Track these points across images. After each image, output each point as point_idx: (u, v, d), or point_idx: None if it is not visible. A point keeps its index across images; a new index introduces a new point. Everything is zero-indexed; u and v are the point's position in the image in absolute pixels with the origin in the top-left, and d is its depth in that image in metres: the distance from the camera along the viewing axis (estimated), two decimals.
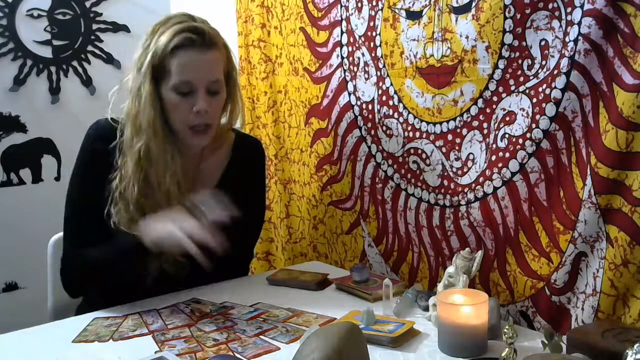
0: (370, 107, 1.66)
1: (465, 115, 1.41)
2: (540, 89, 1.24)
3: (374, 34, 1.61)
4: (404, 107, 1.55)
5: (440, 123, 1.47)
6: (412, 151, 1.56)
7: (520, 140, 1.28)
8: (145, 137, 1.36)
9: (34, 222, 2.34)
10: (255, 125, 2.11)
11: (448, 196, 1.47)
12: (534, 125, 1.25)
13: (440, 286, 1.28)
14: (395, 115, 1.58)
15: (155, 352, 1.14)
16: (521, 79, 1.28)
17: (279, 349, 1.17)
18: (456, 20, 1.38)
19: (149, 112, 1.35)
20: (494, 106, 1.34)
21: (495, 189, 1.35)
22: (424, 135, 1.51)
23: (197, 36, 1.34)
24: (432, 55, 1.45)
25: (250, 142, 1.63)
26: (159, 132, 1.37)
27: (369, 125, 1.67)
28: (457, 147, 1.44)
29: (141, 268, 1.37)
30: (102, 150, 1.40)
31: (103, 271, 1.40)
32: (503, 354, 1.02)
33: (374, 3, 1.59)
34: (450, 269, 1.28)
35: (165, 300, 1.43)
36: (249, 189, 1.57)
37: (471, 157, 1.41)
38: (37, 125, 2.43)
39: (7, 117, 2.37)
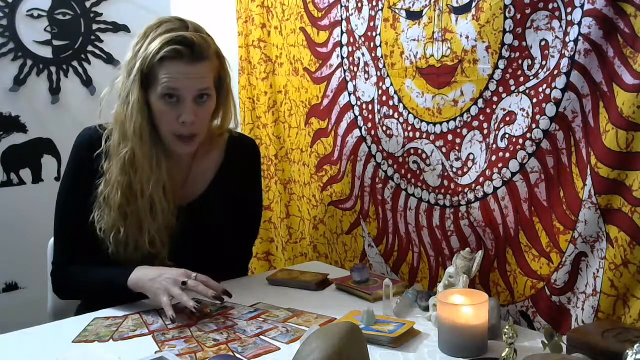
0: (370, 107, 1.66)
1: (465, 115, 1.41)
2: (540, 89, 1.24)
3: (374, 34, 1.61)
4: (404, 107, 1.55)
5: (440, 123, 1.47)
6: (412, 151, 1.56)
7: (520, 140, 1.28)
8: (131, 143, 1.37)
9: (34, 222, 2.34)
10: (255, 125, 2.11)
11: (448, 196, 1.47)
12: (534, 125, 1.25)
13: (440, 286, 1.28)
14: (395, 115, 1.58)
15: (155, 352, 1.14)
16: (521, 79, 1.28)
17: (279, 349, 1.17)
18: (456, 20, 1.38)
19: (136, 119, 1.35)
20: (494, 106, 1.34)
21: (495, 189, 1.35)
22: (424, 135, 1.51)
23: (185, 48, 1.32)
24: (432, 55, 1.45)
25: (244, 142, 1.62)
26: (145, 138, 1.37)
27: (369, 125, 1.67)
28: (457, 147, 1.44)
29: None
30: (88, 158, 1.41)
31: (88, 293, 1.48)
32: (503, 354, 1.02)
33: (374, 3, 1.59)
34: (450, 269, 1.28)
35: None
36: (244, 189, 1.57)
37: (471, 157, 1.41)
38: (37, 125, 2.43)
39: (7, 117, 2.37)
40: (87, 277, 1.43)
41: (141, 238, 1.40)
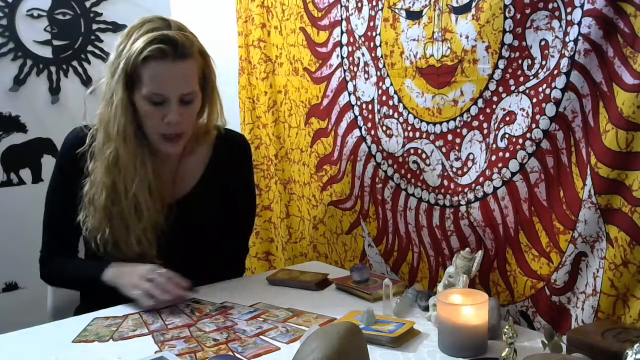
0: (370, 107, 1.66)
1: (465, 115, 1.41)
2: (540, 89, 1.24)
3: (374, 34, 1.61)
4: (404, 107, 1.55)
5: (440, 123, 1.47)
6: (412, 151, 1.56)
7: (520, 140, 1.28)
8: (115, 144, 1.37)
9: (34, 222, 2.32)
10: (255, 125, 2.11)
11: (448, 196, 1.47)
12: (534, 125, 1.25)
13: (440, 286, 1.28)
14: (395, 115, 1.58)
15: (155, 352, 1.15)
16: (521, 79, 1.28)
17: (279, 349, 1.17)
18: (456, 20, 1.38)
19: (120, 120, 1.36)
20: (494, 106, 1.34)
21: (495, 189, 1.35)
22: (424, 135, 1.51)
23: (168, 47, 1.33)
24: (432, 55, 1.45)
25: (233, 138, 1.61)
26: (129, 138, 1.38)
27: (369, 125, 1.67)
28: (457, 147, 1.44)
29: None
30: (73, 157, 1.43)
31: (70, 285, 1.55)
32: (503, 354, 1.02)
33: (374, 3, 1.59)
34: (450, 269, 1.28)
35: None
36: (236, 185, 1.57)
37: (471, 157, 1.41)
38: (37, 125, 2.43)
39: (7, 117, 2.37)
40: (66, 269, 1.49)
41: (128, 238, 1.41)
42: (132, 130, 1.38)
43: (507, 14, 1.28)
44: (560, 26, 1.20)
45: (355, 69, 1.69)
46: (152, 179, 1.42)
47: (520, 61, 1.28)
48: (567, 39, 1.18)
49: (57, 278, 1.54)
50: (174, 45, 1.33)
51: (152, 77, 1.33)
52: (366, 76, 1.66)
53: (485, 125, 1.37)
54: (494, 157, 1.34)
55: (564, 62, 1.18)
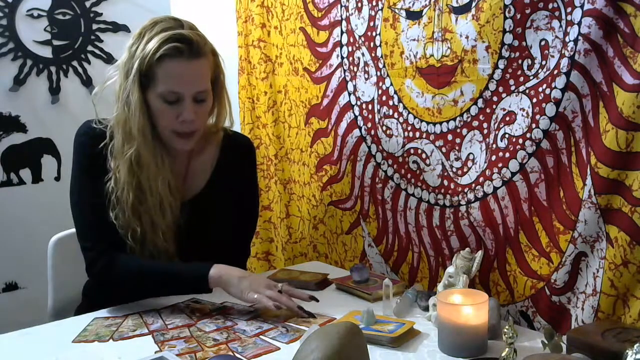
0: (370, 107, 1.66)
1: (465, 115, 1.41)
2: (540, 89, 1.24)
3: (374, 34, 1.61)
4: (404, 107, 1.55)
5: (440, 123, 1.47)
6: (412, 151, 1.56)
7: (520, 140, 1.28)
8: (136, 143, 1.37)
9: (34, 222, 2.34)
10: (255, 125, 2.11)
11: (448, 196, 1.47)
12: (534, 125, 1.25)
13: (440, 286, 1.28)
14: (395, 115, 1.58)
15: (155, 352, 1.15)
16: (521, 79, 1.28)
17: (279, 349, 1.18)
18: (456, 20, 1.38)
19: (139, 119, 1.36)
20: (494, 106, 1.34)
21: (495, 189, 1.35)
22: (424, 135, 1.51)
23: (184, 45, 1.33)
24: (432, 55, 1.45)
25: (239, 140, 1.62)
26: (148, 137, 1.38)
27: (369, 125, 1.67)
28: (457, 147, 1.44)
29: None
30: (98, 152, 1.41)
31: (141, 283, 1.41)
32: (503, 354, 1.02)
33: (374, 3, 1.59)
34: (450, 269, 1.28)
35: (165, 300, 1.43)
36: (242, 186, 1.58)
37: (471, 157, 1.41)
38: (37, 125, 2.43)
39: (7, 117, 2.37)
40: (151, 267, 1.40)
41: (156, 235, 1.41)
42: (149, 128, 1.39)
43: (507, 14, 1.28)
44: (560, 26, 1.20)
45: (355, 69, 1.69)
46: (171, 176, 1.43)
47: (520, 61, 1.28)
48: (567, 39, 1.18)
49: (125, 277, 1.40)
50: (189, 44, 1.34)
51: (167, 76, 1.34)
52: (366, 76, 1.66)
53: (485, 125, 1.37)
54: (494, 157, 1.34)
55: (564, 62, 1.18)
